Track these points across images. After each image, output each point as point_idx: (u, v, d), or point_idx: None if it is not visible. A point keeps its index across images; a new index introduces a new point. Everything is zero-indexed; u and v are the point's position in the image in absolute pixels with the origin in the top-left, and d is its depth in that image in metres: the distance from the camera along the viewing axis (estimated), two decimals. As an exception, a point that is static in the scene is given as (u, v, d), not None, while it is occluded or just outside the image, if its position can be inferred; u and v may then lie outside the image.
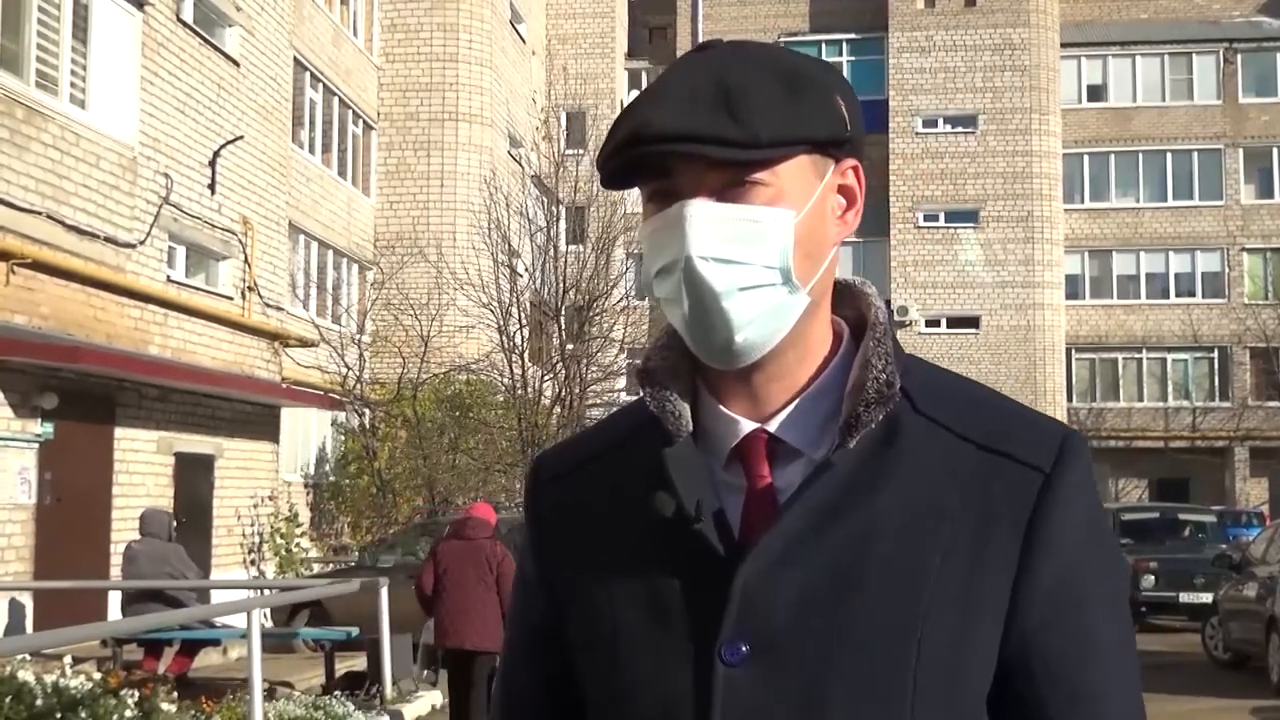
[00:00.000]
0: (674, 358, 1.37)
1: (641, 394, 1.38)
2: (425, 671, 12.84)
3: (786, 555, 1.27)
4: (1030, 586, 1.27)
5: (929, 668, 1.24)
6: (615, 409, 1.77)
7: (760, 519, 1.29)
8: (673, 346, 1.37)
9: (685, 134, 1.24)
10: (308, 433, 24.90)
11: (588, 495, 1.40)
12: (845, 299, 1.40)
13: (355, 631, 13.18)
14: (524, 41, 34.25)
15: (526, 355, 23.67)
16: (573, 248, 24.69)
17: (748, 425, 1.33)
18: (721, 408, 1.34)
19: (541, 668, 1.43)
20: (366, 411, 24.37)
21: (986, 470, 1.29)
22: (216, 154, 18.44)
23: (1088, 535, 1.30)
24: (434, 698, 12.73)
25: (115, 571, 14.97)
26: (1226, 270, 41.26)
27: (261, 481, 19.80)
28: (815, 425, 1.32)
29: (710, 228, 1.26)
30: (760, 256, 1.27)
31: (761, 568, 1.26)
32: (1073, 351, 40.94)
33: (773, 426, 1.32)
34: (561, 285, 23.97)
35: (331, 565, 21.21)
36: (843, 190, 1.34)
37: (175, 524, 13.78)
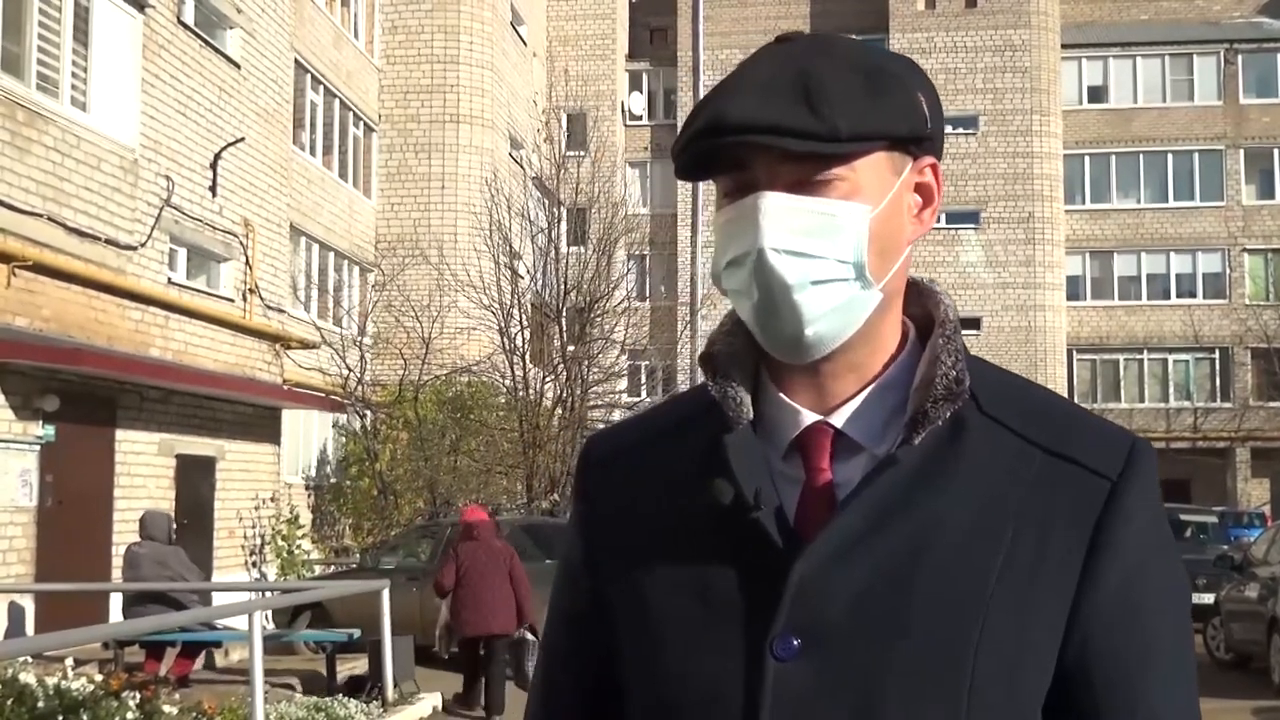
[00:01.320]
0: (738, 344, 1.35)
1: (704, 379, 1.36)
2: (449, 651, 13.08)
3: (845, 551, 1.25)
4: (1093, 594, 1.26)
5: (986, 671, 1.23)
6: (669, 395, 1.75)
7: (816, 513, 1.28)
8: (738, 333, 1.36)
9: (763, 125, 1.23)
10: (309, 435, 24.90)
11: (639, 479, 1.38)
12: (911, 297, 1.38)
13: (356, 633, 13.18)
14: (525, 43, 34.25)
15: (528, 357, 23.67)
16: (574, 249, 24.68)
17: (810, 417, 1.31)
18: (784, 397, 1.32)
19: (583, 650, 1.41)
20: (368, 413, 24.37)
21: (1052, 475, 1.27)
22: (217, 156, 18.45)
23: (1153, 544, 1.29)
24: (435, 699, 12.72)
25: (116, 574, 14.98)
26: (1228, 271, 41.24)
27: (263, 483, 19.81)
28: (879, 421, 1.31)
29: (784, 220, 1.24)
30: (834, 250, 1.25)
31: (819, 562, 1.25)
32: (1074, 352, 40.93)
33: (838, 420, 1.30)
34: (563, 287, 23.97)
35: (333, 567, 21.21)
36: (920, 188, 1.33)
37: (175, 526, 13.77)
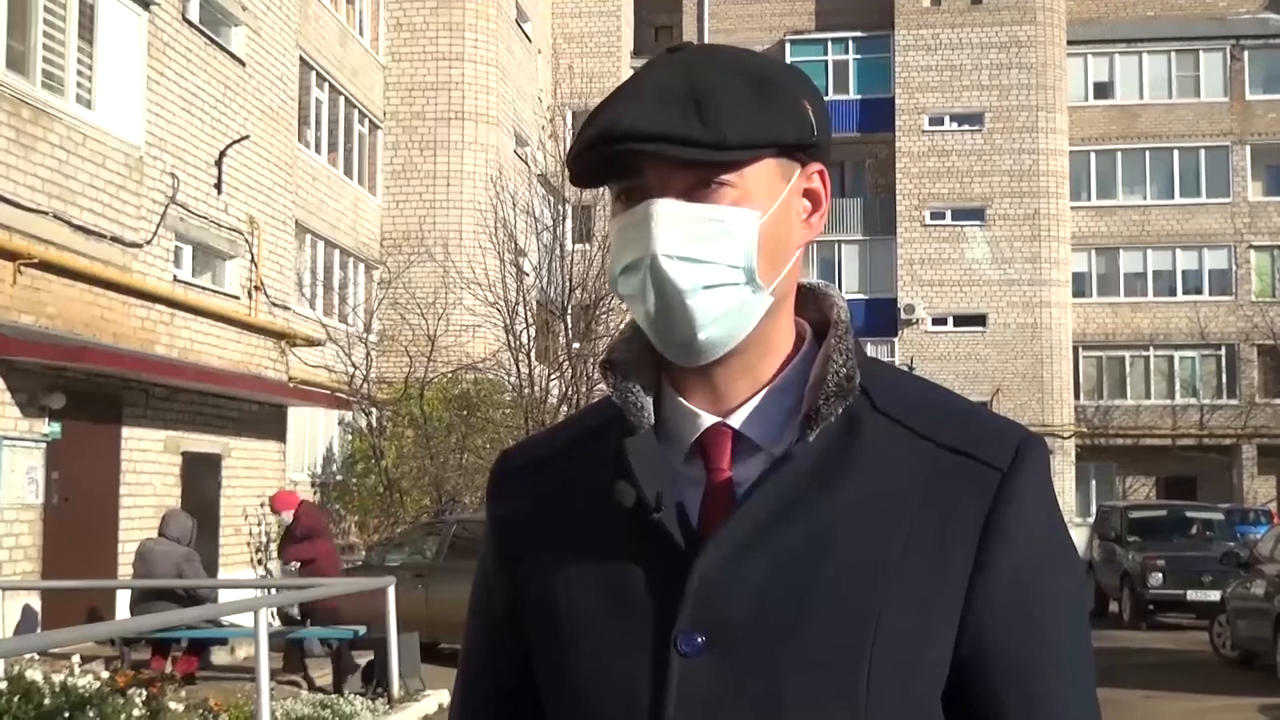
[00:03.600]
0: (638, 350, 1.39)
1: (605, 386, 1.39)
2: None
3: (744, 546, 1.28)
4: (986, 583, 1.28)
5: (884, 662, 1.25)
6: (583, 407, 1.80)
7: (718, 512, 1.31)
8: (637, 339, 1.39)
9: (654, 134, 1.26)
10: (315, 432, 24.92)
11: (550, 487, 1.41)
12: (809, 302, 1.42)
13: (362, 630, 13.19)
14: (530, 40, 34.25)
15: (533, 354, 23.68)
16: (579, 246, 24.67)
17: (709, 419, 1.34)
18: (683, 401, 1.36)
19: (502, 657, 1.44)
20: (373, 411, 24.38)
21: (945, 469, 1.30)
22: (223, 154, 18.45)
23: (1044, 535, 1.32)
24: (441, 696, 12.73)
25: (123, 571, 15.01)
26: (1234, 268, 41.17)
27: (269, 481, 19.81)
28: (776, 421, 1.34)
29: (676, 227, 1.28)
30: (724, 256, 1.29)
31: (719, 558, 1.28)
32: (1080, 349, 40.87)
33: (734, 421, 1.34)
34: (568, 284, 23.96)
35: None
36: (808, 194, 1.36)
37: (196, 530, 13.87)
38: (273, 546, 19.51)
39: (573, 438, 1.45)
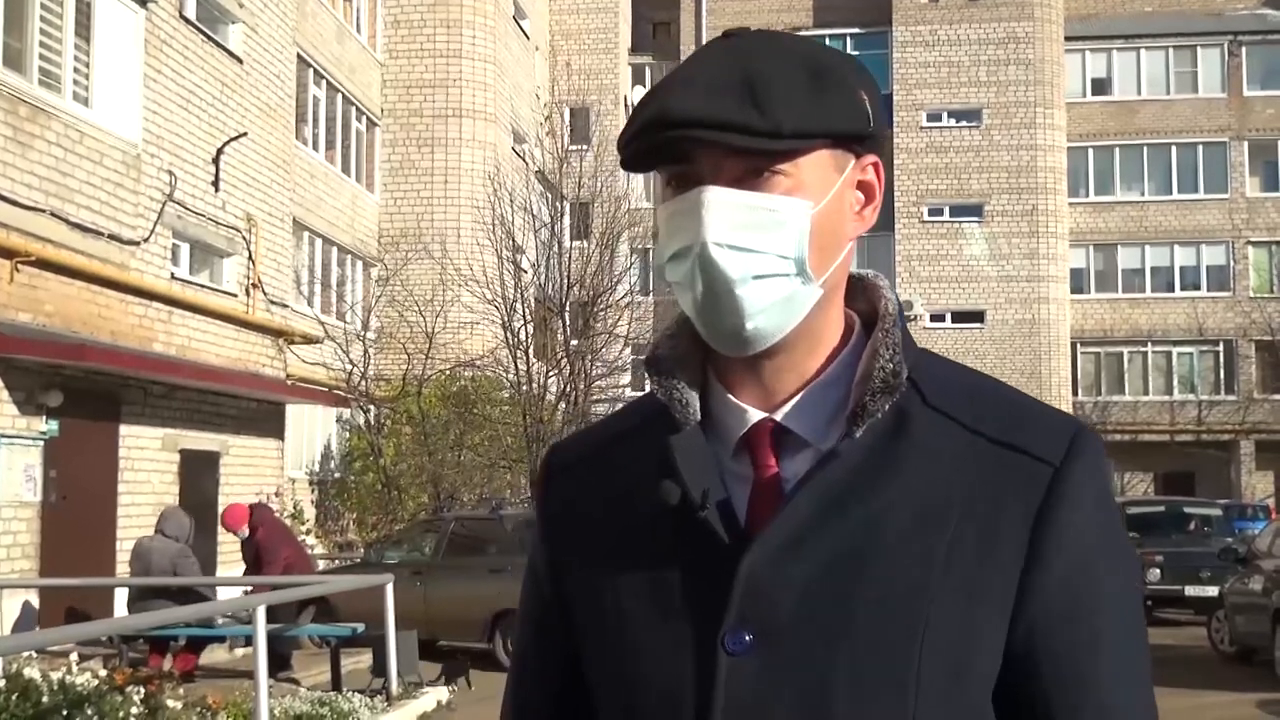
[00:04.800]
0: (683, 346, 1.37)
1: (649, 382, 1.37)
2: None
3: (791, 544, 1.26)
4: (1038, 580, 1.26)
5: (934, 660, 1.23)
6: (630, 400, 1.77)
7: (766, 508, 1.29)
8: (682, 335, 1.37)
9: (708, 121, 1.24)
10: (313, 430, 24.91)
11: (598, 484, 1.40)
12: (858, 292, 1.39)
13: (361, 628, 13.19)
14: (527, 37, 34.23)
15: (531, 351, 23.68)
16: (577, 243, 24.68)
17: (755, 414, 1.32)
18: (730, 397, 1.34)
19: (552, 656, 1.43)
20: (371, 408, 24.38)
21: (996, 463, 1.28)
22: (220, 151, 18.44)
23: (1098, 530, 1.29)
24: (439, 693, 12.73)
25: (121, 569, 15.00)
26: (1232, 263, 41.19)
27: (267, 478, 19.81)
28: (823, 416, 1.32)
29: (727, 215, 1.26)
30: (775, 246, 1.27)
31: (766, 556, 1.26)
32: (1078, 345, 40.89)
33: (780, 416, 1.32)
34: (566, 281, 23.96)
35: (337, 562, 21.22)
36: (862, 186, 1.34)
37: (193, 528, 13.79)
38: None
39: (620, 433, 1.43)
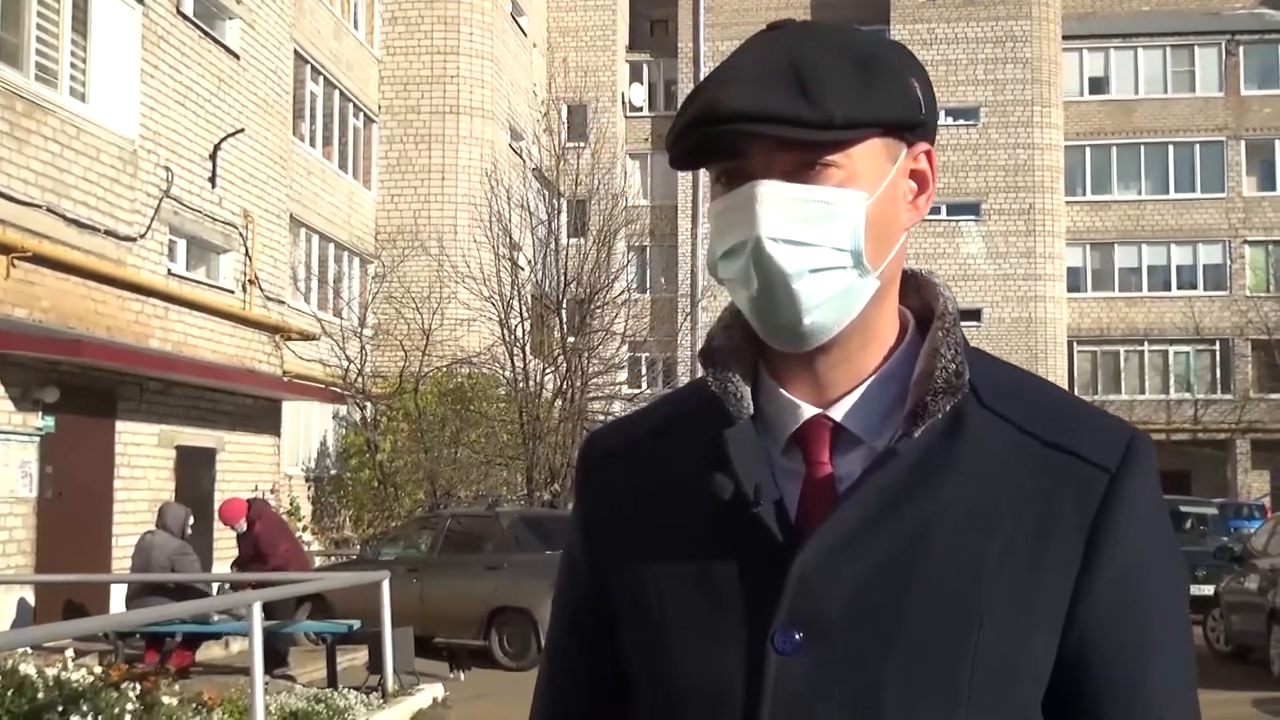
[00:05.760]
0: (737, 339, 1.35)
1: (703, 374, 1.35)
2: None
3: (845, 544, 1.24)
4: (1091, 587, 1.25)
5: (985, 664, 1.22)
6: (669, 390, 1.74)
7: (818, 506, 1.27)
8: (736, 327, 1.35)
9: (758, 114, 1.22)
10: (309, 426, 24.89)
11: (639, 475, 1.38)
12: (911, 289, 1.38)
13: (357, 625, 13.19)
14: (525, 34, 34.21)
15: (528, 348, 23.66)
16: (574, 241, 24.66)
17: (809, 410, 1.30)
18: (783, 391, 1.32)
19: (587, 645, 1.41)
20: (368, 405, 24.37)
21: (1051, 467, 1.27)
22: (217, 147, 18.43)
23: (1152, 537, 1.28)
24: (435, 690, 12.73)
25: (116, 565, 15.00)
26: (1228, 263, 41.21)
27: (263, 475, 19.80)
28: (878, 414, 1.30)
29: (781, 208, 1.24)
30: (831, 238, 1.24)
31: (820, 555, 1.24)
32: (1074, 344, 40.90)
33: (836, 413, 1.30)
34: (563, 278, 23.95)
35: (333, 559, 21.22)
36: (915, 175, 1.32)
37: (192, 522, 13.79)
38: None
39: (661, 424, 1.41)
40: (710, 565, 1.29)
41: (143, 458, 16.42)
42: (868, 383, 1.31)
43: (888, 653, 1.22)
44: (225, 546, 18.51)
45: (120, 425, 15.93)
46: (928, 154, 1.33)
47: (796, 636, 1.24)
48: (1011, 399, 1.31)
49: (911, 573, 1.23)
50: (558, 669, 1.46)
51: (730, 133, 1.24)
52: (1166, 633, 1.28)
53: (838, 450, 1.30)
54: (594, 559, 1.40)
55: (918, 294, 1.37)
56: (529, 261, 24.61)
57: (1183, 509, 23.32)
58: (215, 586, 14.13)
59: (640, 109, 41.70)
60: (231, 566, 14.86)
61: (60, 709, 8.18)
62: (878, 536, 1.24)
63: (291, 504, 20.91)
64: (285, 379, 20.85)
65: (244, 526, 14.08)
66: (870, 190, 1.26)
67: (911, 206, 1.33)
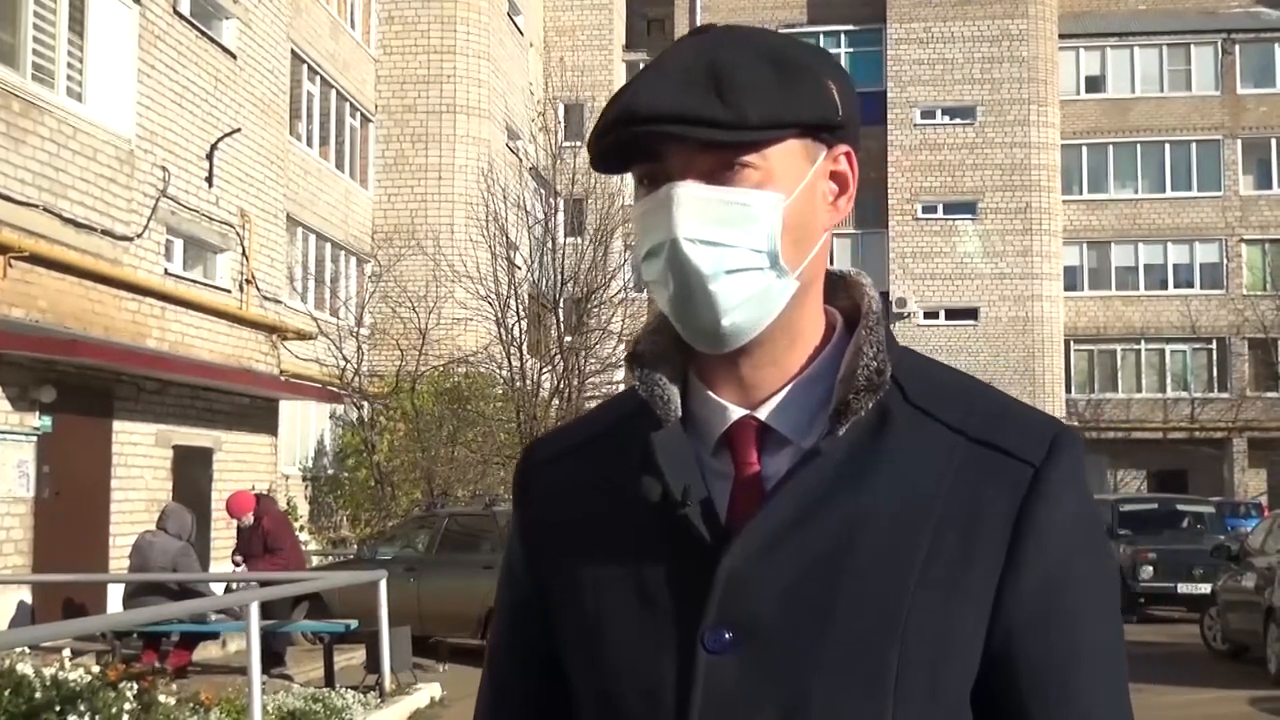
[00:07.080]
0: (664, 342, 1.36)
1: (632, 378, 1.36)
2: None
3: (772, 542, 1.25)
4: (1017, 581, 1.25)
5: (913, 660, 1.23)
6: (610, 396, 1.74)
7: (746, 506, 1.28)
8: (663, 331, 1.36)
9: (673, 115, 1.23)
10: (306, 426, 24.89)
11: (577, 479, 1.39)
12: (840, 289, 1.38)
13: (354, 624, 13.19)
14: (521, 33, 34.20)
15: (525, 347, 23.66)
16: (571, 240, 24.65)
17: (736, 412, 1.31)
18: (710, 394, 1.33)
19: (527, 643, 1.42)
20: (365, 404, 24.36)
21: (977, 463, 1.27)
22: (214, 147, 18.42)
23: (1077, 531, 1.28)
24: (432, 690, 12.73)
25: (114, 564, 14.99)
26: (1225, 261, 41.25)
27: (260, 474, 19.80)
28: (805, 413, 1.31)
29: (698, 209, 1.24)
30: (748, 239, 1.25)
31: (747, 554, 1.25)
32: (1071, 343, 40.93)
33: (762, 414, 1.31)
34: (560, 277, 23.94)
35: (330, 558, 21.22)
36: (834, 176, 1.33)
37: (195, 526, 13.73)
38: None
39: (600, 430, 1.42)
40: (642, 567, 1.30)
41: (140, 457, 16.41)
42: (794, 383, 1.32)
43: (817, 650, 1.23)
44: (222, 545, 18.51)
45: (117, 425, 15.92)
46: (848, 155, 1.33)
47: (726, 635, 1.25)
48: (939, 397, 1.31)
49: (839, 570, 1.24)
50: (499, 671, 1.47)
51: (646, 134, 1.25)
52: (1095, 631, 1.28)
53: (766, 451, 1.31)
54: (531, 562, 1.41)
55: (846, 294, 1.38)
56: (526, 261, 24.60)
57: (1180, 508, 23.33)
58: (222, 586, 14.12)
59: (637, 108, 41.65)
60: (231, 557, 14.84)
61: (58, 709, 8.18)
62: (806, 535, 1.25)
63: (289, 503, 20.90)
64: (282, 378, 20.84)
65: (250, 520, 14.02)
66: (788, 191, 1.27)
67: (832, 208, 1.33)
